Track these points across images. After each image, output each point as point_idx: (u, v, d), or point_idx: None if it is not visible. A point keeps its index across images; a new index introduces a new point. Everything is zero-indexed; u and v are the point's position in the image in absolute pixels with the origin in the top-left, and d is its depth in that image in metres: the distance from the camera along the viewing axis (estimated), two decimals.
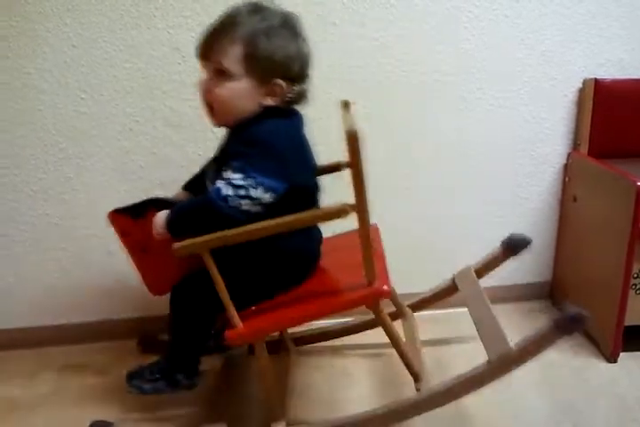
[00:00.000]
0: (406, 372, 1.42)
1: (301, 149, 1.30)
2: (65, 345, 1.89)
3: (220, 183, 1.18)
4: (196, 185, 1.46)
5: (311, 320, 1.35)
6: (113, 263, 1.85)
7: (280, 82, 1.23)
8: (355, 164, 1.11)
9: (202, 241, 1.17)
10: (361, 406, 1.54)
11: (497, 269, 1.70)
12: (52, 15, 1.59)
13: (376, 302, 1.30)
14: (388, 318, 1.35)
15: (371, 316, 1.35)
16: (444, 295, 1.77)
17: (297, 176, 1.23)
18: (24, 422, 1.57)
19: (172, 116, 1.72)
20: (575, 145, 1.92)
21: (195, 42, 1.62)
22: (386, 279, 1.32)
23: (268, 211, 1.20)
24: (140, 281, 1.44)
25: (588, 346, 1.82)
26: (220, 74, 1.22)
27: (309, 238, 1.39)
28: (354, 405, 1.57)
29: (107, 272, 1.86)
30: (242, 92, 1.22)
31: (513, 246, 1.65)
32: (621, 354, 1.72)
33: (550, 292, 2.10)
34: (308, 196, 1.33)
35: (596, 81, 1.81)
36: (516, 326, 1.90)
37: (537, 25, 1.78)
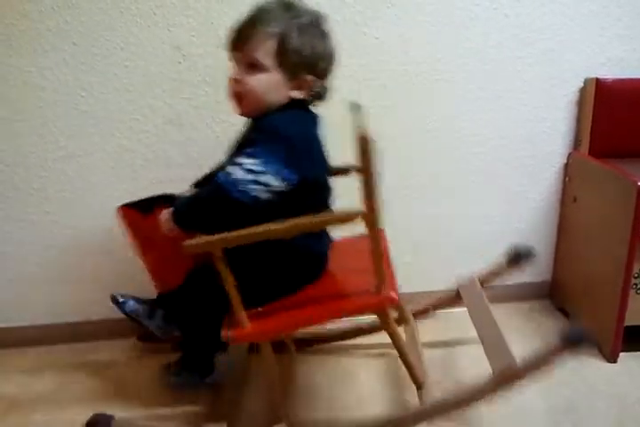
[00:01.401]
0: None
1: (315, 144, 1.31)
2: (66, 343, 1.90)
3: (230, 168, 1.18)
4: (209, 173, 1.47)
5: (319, 324, 1.34)
6: (114, 261, 1.85)
7: (309, 77, 1.27)
8: (366, 168, 1.10)
9: (213, 240, 1.16)
10: (363, 407, 1.55)
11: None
12: (53, 13, 1.59)
13: (384, 309, 1.30)
14: (395, 326, 1.36)
15: (374, 319, 1.35)
16: (447, 304, 1.78)
17: (308, 170, 1.24)
18: (24, 420, 1.57)
19: (172, 114, 1.72)
20: (576, 145, 1.91)
21: (195, 41, 1.65)
22: (394, 286, 1.31)
23: (279, 204, 1.20)
24: (146, 277, 1.44)
25: (588, 346, 1.82)
26: (252, 66, 1.24)
27: (320, 240, 1.39)
28: (355, 406, 1.57)
29: (107, 270, 1.86)
30: (272, 84, 1.25)
31: (517, 258, 1.68)
32: (621, 354, 1.72)
33: (550, 291, 2.10)
34: (319, 193, 1.34)
35: (597, 80, 1.80)
36: (515, 325, 1.91)
37: (538, 24, 1.78)
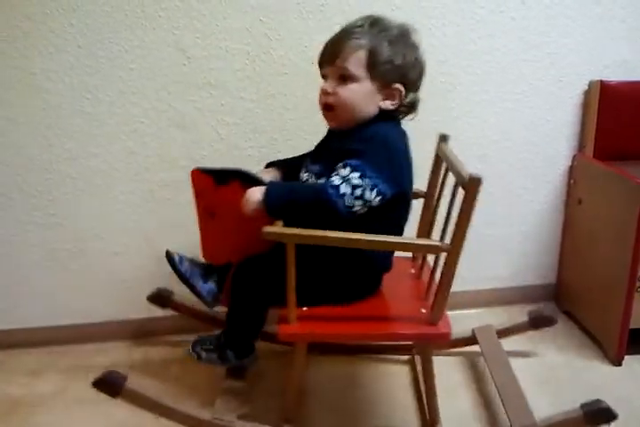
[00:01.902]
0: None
1: (406, 158, 1.32)
2: (69, 345, 1.89)
3: (336, 180, 1.18)
4: (283, 166, 1.48)
5: (364, 341, 1.35)
6: (118, 264, 1.85)
7: (399, 86, 1.28)
8: (468, 209, 1.17)
9: (292, 233, 1.18)
10: (374, 412, 1.55)
11: (502, 269, 1.72)
12: (58, 16, 1.59)
13: (434, 343, 1.32)
14: (432, 363, 1.36)
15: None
16: (461, 345, 1.79)
17: (403, 185, 1.27)
18: (27, 421, 1.57)
19: (177, 116, 1.72)
20: (580, 147, 1.91)
21: (200, 43, 1.65)
22: (448, 321, 1.30)
23: (365, 214, 1.23)
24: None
25: (593, 349, 1.82)
26: (344, 78, 1.27)
27: (389, 258, 1.41)
28: (366, 411, 1.58)
29: (112, 273, 1.86)
30: (364, 94, 1.27)
31: (538, 322, 1.77)
32: (626, 357, 1.72)
33: (555, 294, 2.10)
34: (404, 208, 1.35)
35: (602, 83, 1.80)
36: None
37: (543, 27, 1.78)
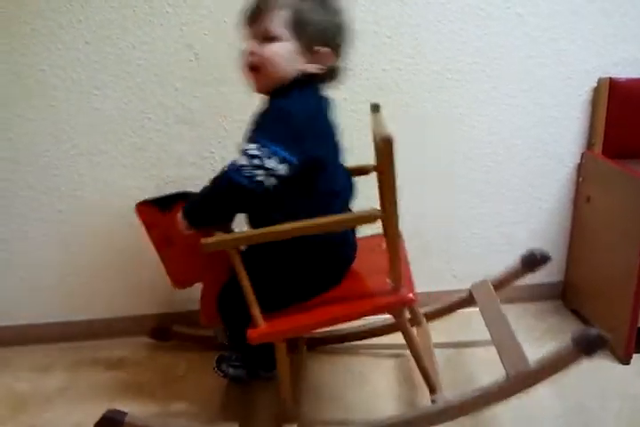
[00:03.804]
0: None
1: (320, 124, 1.29)
2: (76, 341, 1.90)
3: (238, 156, 1.18)
4: None
5: (334, 324, 1.34)
6: (125, 260, 1.86)
7: (325, 49, 1.25)
8: (386, 169, 1.11)
9: (229, 238, 1.17)
10: (375, 407, 1.55)
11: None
12: (66, 12, 1.60)
13: (400, 310, 1.30)
14: (410, 327, 1.36)
15: (388, 319, 1.35)
16: (460, 306, 1.78)
17: (314, 150, 1.23)
18: (35, 417, 1.58)
19: (185, 113, 1.72)
20: (589, 145, 1.90)
21: (207, 39, 1.65)
22: (411, 287, 1.31)
23: (288, 189, 1.21)
24: (163, 274, 1.44)
25: None
26: (267, 38, 1.24)
27: (344, 240, 1.38)
28: (367, 406, 1.57)
29: (119, 269, 1.87)
30: (286, 54, 1.23)
31: (532, 262, 1.69)
32: (634, 355, 1.71)
33: (562, 292, 2.09)
34: (328, 174, 1.30)
35: (611, 80, 1.79)
36: (527, 326, 1.90)
37: (551, 23, 1.77)
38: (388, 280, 1.28)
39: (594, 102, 1.86)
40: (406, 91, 1.78)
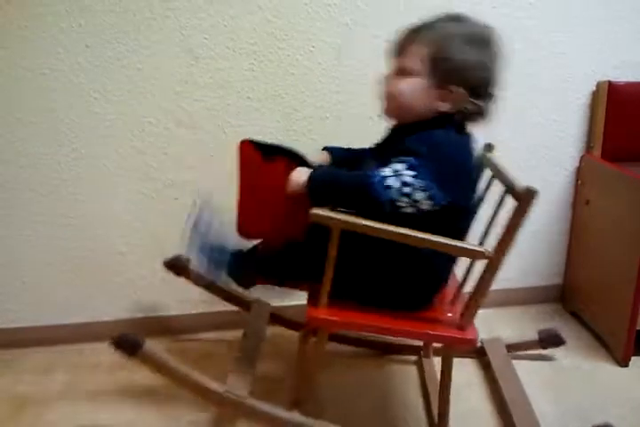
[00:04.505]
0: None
1: (470, 168, 1.27)
2: (77, 344, 1.90)
3: (387, 172, 1.14)
4: (338, 153, 1.45)
5: (390, 336, 1.33)
6: (125, 263, 1.86)
7: (457, 89, 1.21)
8: (516, 222, 1.14)
9: (341, 219, 1.15)
10: (378, 414, 1.55)
11: (510, 269, 1.71)
12: (66, 16, 1.60)
13: (459, 347, 1.31)
14: (452, 367, 1.34)
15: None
16: (468, 355, 1.79)
17: (460, 195, 1.21)
18: (37, 418, 1.58)
19: (185, 116, 1.72)
20: (588, 148, 1.91)
21: (207, 43, 1.66)
22: (474, 329, 1.27)
23: (419, 222, 1.17)
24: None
25: (600, 350, 1.81)
26: (403, 71, 1.24)
27: (448, 268, 1.36)
28: (373, 412, 1.58)
29: (119, 272, 1.87)
30: (415, 89, 1.22)
31: (547, 342, 1.77)
32: (633, 358, 1.72)
33: (562, 295, 2.09)
34: (463, 220, 1.29)
35: (610, 83, 1.80)
36: (526, 328, 1.90)
37: (550, 27, 1.77)
38: (449, 314, 1.30)
39: (593, 106, 1.87)
40: None
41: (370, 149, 1.40)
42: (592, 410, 1.54)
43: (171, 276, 1.68)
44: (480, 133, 1.83)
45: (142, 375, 1.59)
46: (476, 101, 1.23)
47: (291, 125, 1.76)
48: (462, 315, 1.24)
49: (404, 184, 1.13)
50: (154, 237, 1.83)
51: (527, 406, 1.47)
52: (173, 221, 1.80)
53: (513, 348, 1.76)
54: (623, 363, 1.72)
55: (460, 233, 1.27)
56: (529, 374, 1.59)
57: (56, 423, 1.56)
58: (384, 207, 1.14)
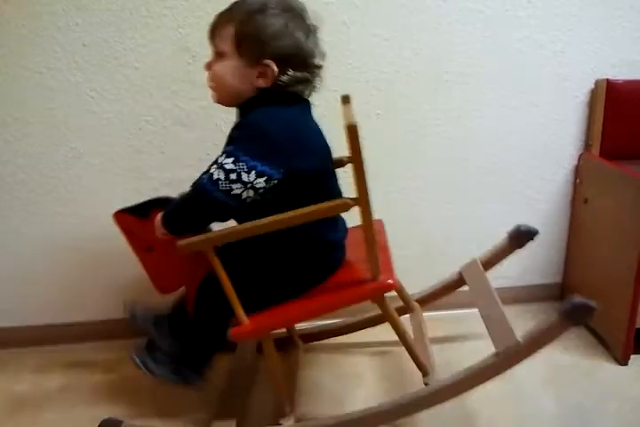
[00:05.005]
0: (414, 370, 1.42)
1: (302, 135, 1.26)
2: (73, 343, 1.90)
3: (212, 168, 1.18)
4: None
5: (317, 316, 1.34)
6: (122, 262, 1.85)
7: (269, 62, 1.20)
8: (355, 157, 1.10)
9: (203, 239, 1.18)
10: (368, 403, 1.54)
11: (508, 268, 1.70)
12: (63, 15, 1.60)
13: (381, 296, 1.29)
14: (395, 312, 1.35)
15: (378, 312, 1.34)
16: (451, 289, 1.76)
17: (296, 162, 1.21)
18: (34, 418, 1.58)
19: (182, 115, 1.72)
20: (587, 146, 1.90)
21: (205, 42, 1.65)
22: (391, 273, 1.31)
23: (274, 200, 1.21)
24: (147, 280, 1.44)
25: (599, 348, 1.81)
26: (218, 55, 1.25)
27: (332, 242, 1.37)
28: (361, 402, 1.57)
29: (116, 271, 1.87)
30: (232, 71, 1.23)
31: (519, 237, 1.65)
32: (632, 356, 1.71)
33: (561, 293, 2.09)
34: (317, 183, 1.29)
35: (609, 82, 1.79)
36: (525, 327, 1.89)
37: (549, 25, 1.77)
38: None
39: (591, 104, 1.86)
40: (403, 92, 1.78)
41: None
42: (592, 409, 1.53)
43: None
44: (478, 132, 1.85)
45: (140, 375, 1.59)
46: (292, 72, 1.23)
47: None
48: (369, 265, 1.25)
49: (229, 171, 1.15)
50: None
51: (501, 320, 1.42)
52: None
53: (489, 263, 1.70)
54: (623, 361, 1.72)
55: (330, 194, 1.27)
56: (527, 372, 1.59)
57: (54, 423, 1.56)
58: (225, 201, 1.16)
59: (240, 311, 1.25)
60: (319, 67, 1.28)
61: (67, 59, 1.64)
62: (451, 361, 1.64)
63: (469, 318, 1.74)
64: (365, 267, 1.26)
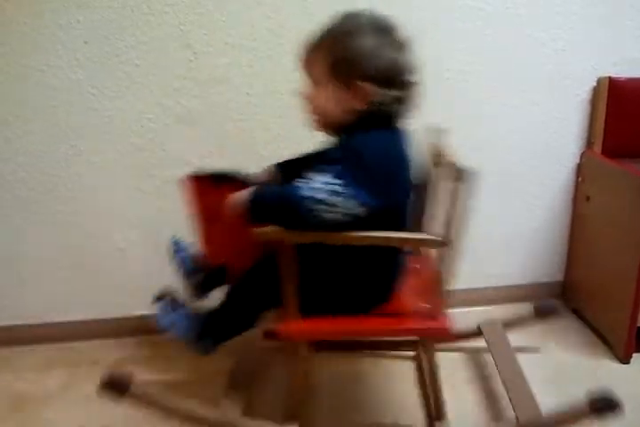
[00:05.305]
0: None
1: (400, 167, 1.24)
2: (76, 341, 1.90)
3: (313, 183, 1.12)
4: (287, 168, 1.45)
5: (366, 337, 1.34)
6: (124, 260, 1.85)
7: (361, 83, 1.18)
8: (464, 204, 1.16)
9: (285, 233, 1.15)
10: (376, 410, 1.55)
11: (510, 266, 1.71)
12: (64, 12, 1.59)
13: (436, 337, 1.32)
14: (436, 357, 1.36)
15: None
16: (466, 337, 1.79)
17: (392, 196, 1.19)
18: (35, 416, 1.58)
19: (183, 113, 1.72)
20: (589, 144, 1.90)
21: (206, 39, 1.65)
22: (449, 317, 1.28)
23: (357, 227, 1.17)
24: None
25: (601, 347, 1.81)
26: (313, 82, 1.24)
27: (400, 264, 1.35)
28: (371, 410, 1.57)
29: (118, 269, 1.87)
30: (327, 96, 1.22)
31: (543, 313, 1.76)
32: (634, 355, 1.71)
33: (562, 292, 2.09)
34: (399, 217, 1.27)
35: (610, 80, 1.79)
36: (525, 327, 1.89)
37: (551, 23, 1.77)
38: (424, 305, 1.29)
39: (593, 102, 1.86)
40: None
41: (316, 153, 1.40)
42: None
43: (170, 273, 1.67)
44: (480, 130, 1.85)
45: (140, 374, 1.59)
46: (387, 92, 1.20)
47: (290, 122, 1.75)
48: (431, 304, 1.26)
49: (331, 193, 1.11)
50: (153, 234, 1.82)
51: (525, 389, 1.47)
52: (172, 218, 1.80)
53: (508, 325, 1.76)
54: (624, 360, 1.72)
55: (404, 223, 1.27)
56: (529, 370, 1.58)
57: (55, 421, 1.56)
58: (311, 222, 1.12)
59: (294, 309, 1.23)
60: (414, 83, 1.25)
61: (68, 56, 1.64)
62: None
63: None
64: (424, 300, 1.29)
